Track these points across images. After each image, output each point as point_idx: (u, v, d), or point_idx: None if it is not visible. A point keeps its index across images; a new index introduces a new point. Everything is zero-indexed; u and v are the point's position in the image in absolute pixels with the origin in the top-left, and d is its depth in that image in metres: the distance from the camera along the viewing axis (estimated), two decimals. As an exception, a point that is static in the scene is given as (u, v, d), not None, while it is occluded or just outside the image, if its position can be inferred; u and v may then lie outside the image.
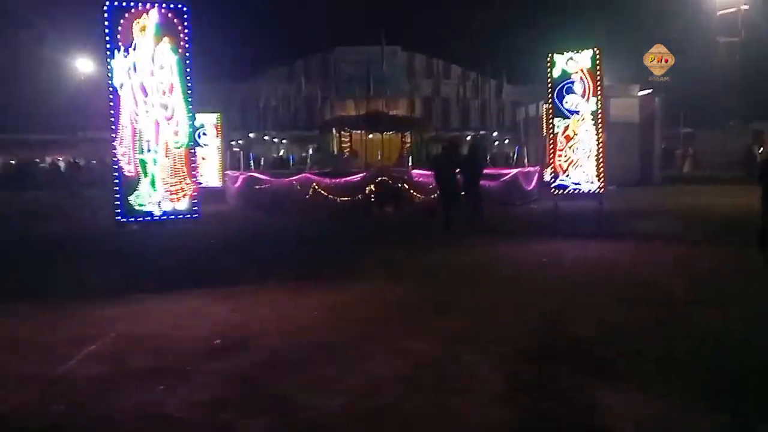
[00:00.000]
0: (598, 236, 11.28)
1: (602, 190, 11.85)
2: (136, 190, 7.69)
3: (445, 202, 12.87)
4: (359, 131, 29.83)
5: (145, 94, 7.54)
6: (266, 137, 47.27)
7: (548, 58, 12.07)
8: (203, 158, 22.28)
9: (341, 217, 16.45)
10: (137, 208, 7.73)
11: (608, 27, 29.50)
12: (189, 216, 8.08)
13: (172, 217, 7.75)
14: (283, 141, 48.53)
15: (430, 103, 39.49)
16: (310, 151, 37.27)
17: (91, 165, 38.38)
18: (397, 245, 11.45)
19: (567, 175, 12.09)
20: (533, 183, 20.20)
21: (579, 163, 11.90)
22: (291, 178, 18.21)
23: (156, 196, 7.66)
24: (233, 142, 42.99)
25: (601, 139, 11.68)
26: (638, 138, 27.59)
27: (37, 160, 40.29)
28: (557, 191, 12.27)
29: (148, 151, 7.52)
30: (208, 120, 22.24)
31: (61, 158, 41.21)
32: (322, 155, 31.22)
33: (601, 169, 11.75)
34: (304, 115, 44.19)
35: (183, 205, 7.82)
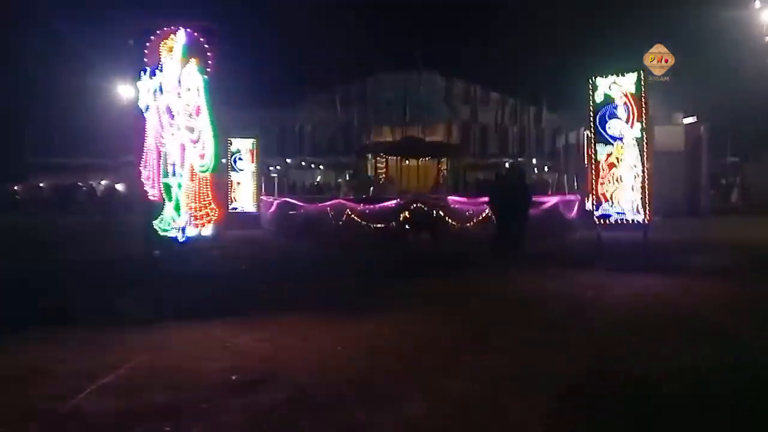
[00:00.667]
0: (644, 270, 10.67)
1: (648, 221, 11.23)
2: (160, 214, 7.44)
3: (502, 230, 12.94)
4: (395, 157, 29.74)
5: (171, 116, 7.36)
6: (303, 163, 47.52)
7: (590, 82, 11.60)
8: (238, 183, 22.28)
9: (375, 244, 16.13)
10: (161, 233, 7.46)
11: (654, 51, 28.70)
12: (212, 241, 7.78)
13: (196, 242, 7.44)
14: (321, 167, 48.72)
15: (467, 129, 39.16)
16: (347, 177, 37.28)
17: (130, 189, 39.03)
18: (434, 274, 11.03)
19: (611, 204, 11.51)
20: (574, 211, 19.58)
21: (624, 191, 11.33)
22: (324, 204, 17.99)
23: (180, 221, 7.40)
24: (271, 168, 43.49)
25: (647, 167, 11.10)
26: (684, 167, 26.73)
27: (80, 183, 41.17)
28: (600, 221, 11.68)
29: (173, 174, 7.30)
30: (244, 145, 22.23)
31: (101, 182, 42.08)
32: (357, 181, 31.13)
33: (648, 198, 11.14)
34: (341, 140, 44.27)
35: (208, 230, 7.54)
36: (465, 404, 4.61)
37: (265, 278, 10.59)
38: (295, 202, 18.88)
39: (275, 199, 19.98)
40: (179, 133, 7.40)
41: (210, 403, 4.64)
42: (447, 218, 17.52)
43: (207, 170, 7.35)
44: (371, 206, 17.61)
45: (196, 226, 7.48)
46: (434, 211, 17.31)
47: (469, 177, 35.03)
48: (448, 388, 4.92)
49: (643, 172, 11.14)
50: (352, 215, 17.93)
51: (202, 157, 7.32)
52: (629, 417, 4.40)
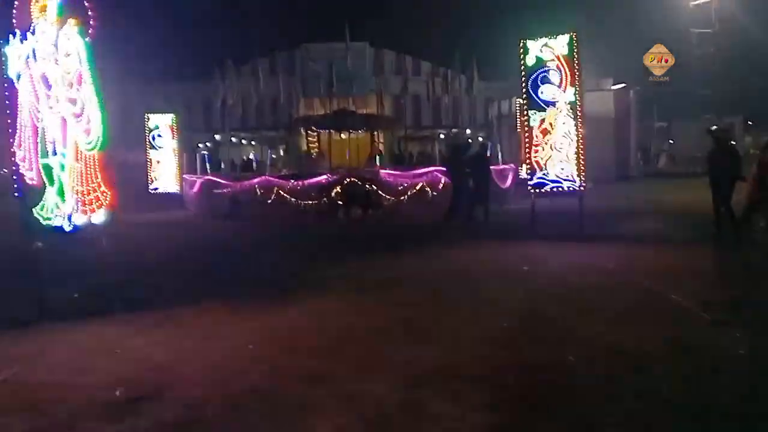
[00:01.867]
0: (580, 239, 10.34)
1: (583, 188, 10.85)
2: (41, 200, 6.42)
3: (459, 198, 14.03)
4: (326, 131, 28.74)
5: (48, 86, 6.30)
6: (234, 139, 45.75)
7: (520, 45, 11.03)
8: (158, 161, 20.94)
9: (305, 222, 15.35)
10: (43, 222, 6.45)
11: (579, 19, 28.60)
12: (105, 228, 6.82)
13: (86, 230, 6.48)
14: (253, 142, 47.10)
15: (399, 101, 38.43)
16: (280, 153, 36.11)
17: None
18: (364, 253, 10.38)
19: (545, 173, 11.07)
20: (509, 181, 19.26)
21: (557, 159, 10.90)
22: (251, 181, 16.99)
23: (65, 208, 6.41)
24: (201, 145, 41.83)
25: (580, 132, 10.69)
26: (613, 133, 26.89)
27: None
28: (535, 190, 11.23)
29: (54, 154, 6.28)
30: (163, 121, 20.85)
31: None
32: (290, 156, 30.03)
33: (582, 165, 10.76)
34: (270, 115, 42.79)
35: (99, 216, 6.56)
36: (382, 413, 3.95)
37: (176, 267, 9.66)
38: (220, 180, 17.79)
39: (198, 178, 18.79)
40: (58, 105, 6.36)
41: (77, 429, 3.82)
42: (380, 193, 16.88)
43: (94, 148, 6.34)
44: (301, 183, 16.74)
45: (85, 212, 6.49)
46: (366, 186, 16.62)
47: (403, 149, 34.47)
48: (366, 392, 4.26)
49: (577, 138, 10.71)
50: (282, 193, 17.06)
51: (87, 132, 6.31)
52: (573, 423, 3.85)
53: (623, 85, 29.92)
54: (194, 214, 18.56)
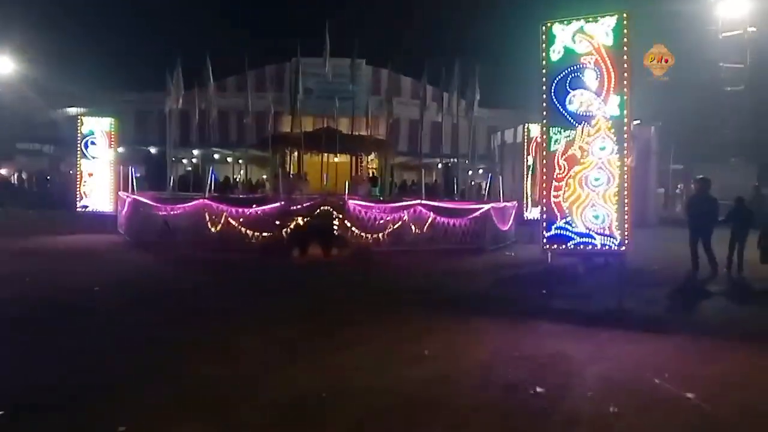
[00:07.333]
0: (626, 323, 6.70)
1: (626, 246, 7.23)
2: None
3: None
4: (312, 152, 25.49)
5: None
6: (216, 156, 42.47)
7: (542, 31, 7.51)
8: (90, 174, 17.30)
9: (246, 259, 11.78)
10: None
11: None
12: None
13: None
14: (240, 161, 43.81)
15: (395, 124, 35.11)
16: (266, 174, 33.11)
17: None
18: (290, 322, 6.67)
19: (568, 221, 7.47)
20: (509, 222, 15.73)
21: (589, 201, 7.31)
22: (185, 205, 13.41)
23: None
24: (186, 161, 38.91)
25: (627, 164, 7.13)
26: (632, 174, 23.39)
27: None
28: (551, 246, 7.58)
29: None
30: (99, 126, 17.24)
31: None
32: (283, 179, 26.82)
33: (626, 214, 7.16)
34: (254, 131, 39.30)
35: None
36: None
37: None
38: (149, 202, 14.17)
39: (127, 198, 15.16)
40: None
41: None
42: (348, 227, 13.27)
43: None
44: (249, 210, 13.17)
45: None
46: (333, 218, 13.06)
47: (396, 177, 31.28)
48: None
49: (622, 171, 7.12)
50: (230, 220, 13.52)
51: None
52: None
53: (638, 122, 26.50)
54: (124, 239, 14.94)
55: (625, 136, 7.10)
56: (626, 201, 7.13)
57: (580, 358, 5.49)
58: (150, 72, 38.38)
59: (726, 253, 10.21)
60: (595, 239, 7.25)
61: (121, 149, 18.80)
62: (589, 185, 7.28)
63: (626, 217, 7.11)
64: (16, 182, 36.12)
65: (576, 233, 7.36)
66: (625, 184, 7.12)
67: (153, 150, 35.59)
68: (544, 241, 7.63)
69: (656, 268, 10.43)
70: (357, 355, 5.50)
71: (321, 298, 8.32)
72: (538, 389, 4.68)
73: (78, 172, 17.24)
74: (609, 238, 7.19)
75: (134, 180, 15.30)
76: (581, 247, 7.36)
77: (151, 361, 5.27)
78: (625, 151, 7.13)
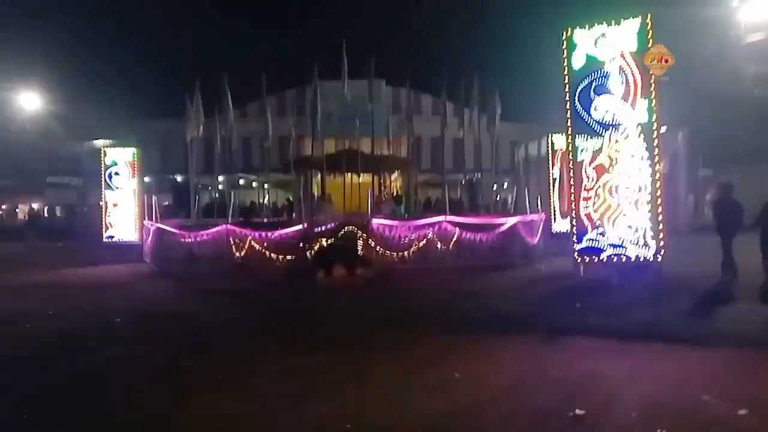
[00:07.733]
0: (665, 336, 6.37)
1: (661, 257, 6.93)
2: None
3: None
4: (336, 173, 25.48)
5: None
6: (242, 181, 42.79)
7: (564, 37, 7.31)
8: (115, 204, 17.43)
9: (271, 282, 11.68)
10: None
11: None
12: None
13: None
14: (265, 185, 44.01)
15: (417, 143, 35.03)
16: (292, 197, 33.12)
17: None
18: (301, 352, 6.46)
19: (601, 233, 7.20)
20: (537, 235, 15.41)
21: (621, 211, 7.04)
22: (209, 231, 13.38)
23: None
24: (211, 188, 39.41)
25: (659, 170, 6.85)
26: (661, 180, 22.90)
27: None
28: (583, 258, 7.32)
29: None
30: (121, 156, 17.40)
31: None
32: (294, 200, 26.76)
33: (661, 222, 6.87)
34: (278, 155, 39.56)
35: None
36: None
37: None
38: (174, 230, 14.17)
39: (151, 226, 15.20)
40: None
41: None
42: (374, 247, 13.11)
43: None
44: (272, 234, 13.08)
45: None
46: (358, 238, 12.92)
47: (420, 194, 31.00)
48: None
49: (654, 179, 6.85)
50: (254, 244, 13.45)
51: None
52: None
53: (665, 127, 25.95)
54: (150, 268, 14.93)
55: (655, 141, 6.82)
56: (659, 209, 6.83)
57: (619, 377, 5.18)
58: (173, 99, 38.94)
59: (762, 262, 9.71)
60: (628, 249, 6.97)
61: (147, 179, 18.93)
62: (620, 194, 7.01)
63: (660, 226, 6.80)
64: (46, 215, 36.82)
65: (608, 244, 7.08)
66: (658, 192, 6.83)
67: (179, 178, 35.86)
68: (575, 253, 7.35)
69: (692, 277, 10.04)
70: (379, 384, 5.27)
71: (342, 322, 8.10)
72: (578, 412, 4.40)
73: (103, 203, 17.37)
74: (644, 247, 6.89)
75: (159, 209, 15.34)
76: (614, 258, 7.07)
77: (163, 399, 5.11)
78: (656, 157, 6.84)
